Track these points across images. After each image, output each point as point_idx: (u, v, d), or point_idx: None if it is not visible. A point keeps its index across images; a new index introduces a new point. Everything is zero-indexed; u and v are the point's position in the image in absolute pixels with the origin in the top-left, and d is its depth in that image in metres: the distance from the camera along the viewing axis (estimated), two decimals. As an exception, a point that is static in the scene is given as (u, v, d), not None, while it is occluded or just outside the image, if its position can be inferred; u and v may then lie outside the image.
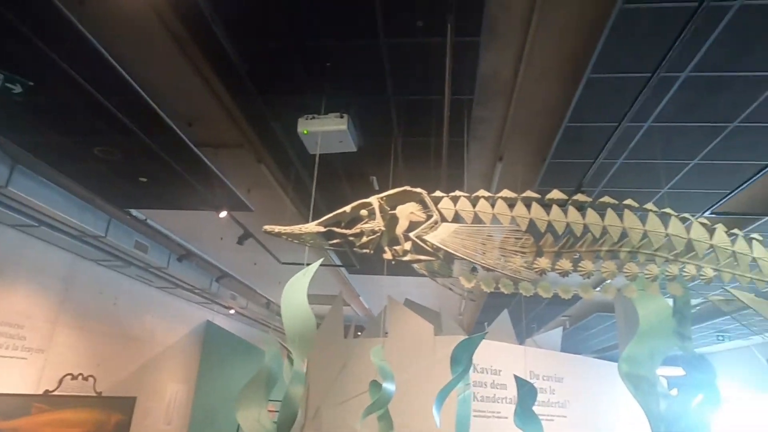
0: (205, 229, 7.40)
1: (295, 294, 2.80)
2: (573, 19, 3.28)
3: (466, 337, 2.87)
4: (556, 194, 2.34)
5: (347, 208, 2.11)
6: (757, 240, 2.39)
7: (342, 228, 2.14)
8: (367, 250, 2.12)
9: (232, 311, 10.67)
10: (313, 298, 2.62)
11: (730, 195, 4.71)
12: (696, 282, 2.30)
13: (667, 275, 2.23)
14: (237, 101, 4.11)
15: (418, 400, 4.78)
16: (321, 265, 2.65)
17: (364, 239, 2.07)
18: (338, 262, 7.70)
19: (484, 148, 4.92)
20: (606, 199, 2.38)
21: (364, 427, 3.91)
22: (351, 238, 2.10)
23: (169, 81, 4.05)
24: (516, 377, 3.01)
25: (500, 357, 5.55)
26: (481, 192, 2.26)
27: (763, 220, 5.20)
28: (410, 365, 5.14)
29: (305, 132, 3.54)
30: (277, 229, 2.08)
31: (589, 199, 2.33)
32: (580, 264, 2.17)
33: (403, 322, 5.75)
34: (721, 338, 10.36)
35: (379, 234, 2.08)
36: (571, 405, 6.11)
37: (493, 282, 2.29)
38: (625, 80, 3.44)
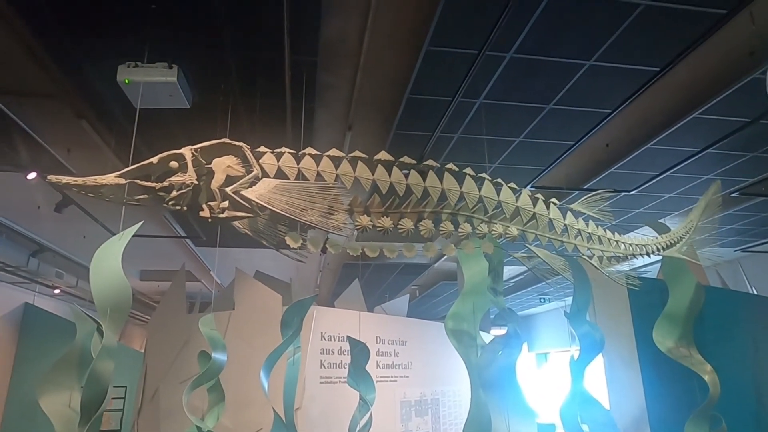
0: (16, 195, 6.30)
1: (107, 260, 2.52)
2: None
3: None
4: (383, 155, 2.38)
5: (154, 159, 1.90)
6: (554, 203, 2.71)
7: (151, 182, 1.92)
8: (179, 207, 1.94)
9: (57, 291, 9.36)
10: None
11: (546, 171, 5.33)
12: (503, 240, 2.54)
13: (478, 234, 2.42)
14: (41, 41, 3.48)
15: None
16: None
17: (175, 194, 1.89)
18: (182, 233, 7.14)
19: (333, 117, 4.88)
20: (430, 162, 2.49)
21: (196, 399, 3.72)
22: (160, 193, 1.90)
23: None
24: (348, 338, 3.08)
25: (347, 324, 5.69)
26: (308, 149, 2.20)
27: (573, 194, 5.99)
28: (258, 336, 5.03)
29: (126, 81, 3.14)
30: (65, 179, 1.79)
31: (414, 161, 2.41)
32: (400, 222, 2.25)
33: (251, 294, 5.61)
34: (542, 300, 11.94)
35: (190, 188, 1.91)
36: (413, 366, 6.53)
37: (321, 242, 2.27)
38: (458, 55, 3.63)
